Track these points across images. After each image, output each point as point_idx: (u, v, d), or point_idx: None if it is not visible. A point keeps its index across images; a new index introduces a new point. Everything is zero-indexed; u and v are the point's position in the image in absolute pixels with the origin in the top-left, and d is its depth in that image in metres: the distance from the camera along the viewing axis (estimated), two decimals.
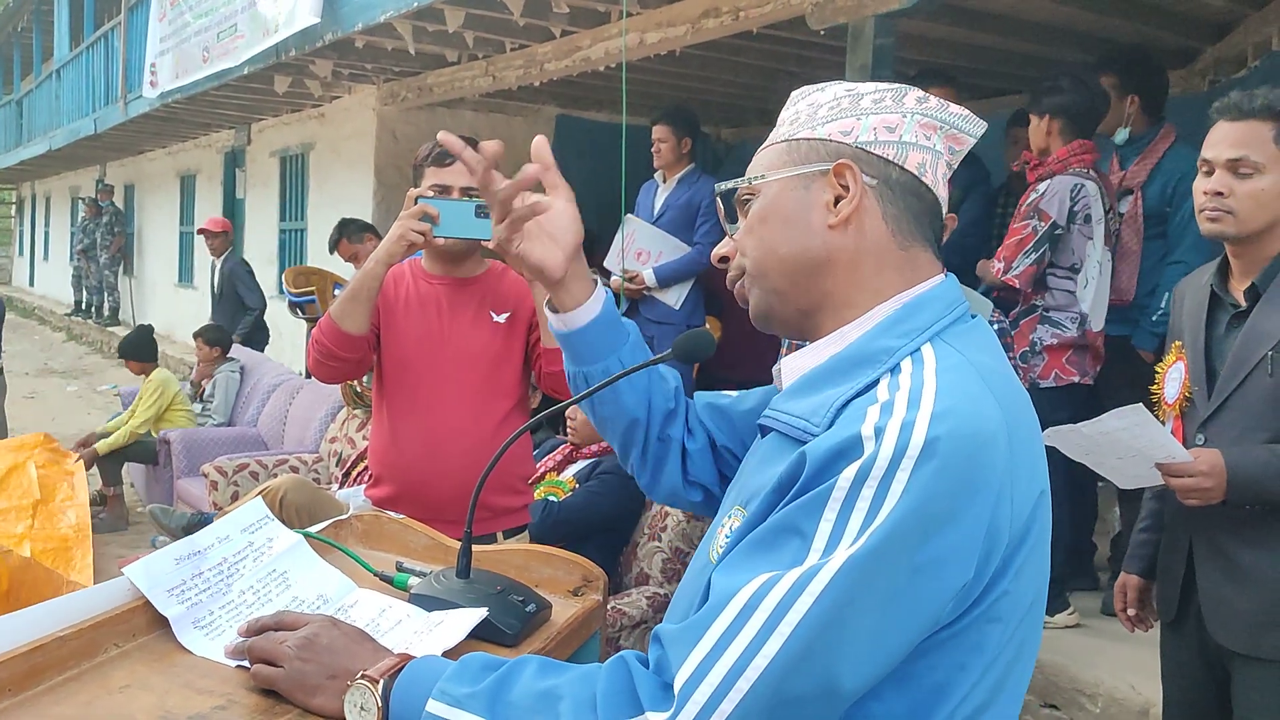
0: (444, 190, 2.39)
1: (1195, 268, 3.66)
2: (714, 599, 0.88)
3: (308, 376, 6.72)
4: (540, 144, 1.20)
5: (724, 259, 1.11)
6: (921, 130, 1.03)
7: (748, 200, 1.07)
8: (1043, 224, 3.30)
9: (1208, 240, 3.67)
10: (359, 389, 5.10)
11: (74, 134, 12.87)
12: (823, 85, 1.09)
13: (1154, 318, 3.61)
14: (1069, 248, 3.35)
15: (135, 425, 6.17)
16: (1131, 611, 2.16)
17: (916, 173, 1.02)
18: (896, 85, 1.05)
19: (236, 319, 7.62)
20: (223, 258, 7.87)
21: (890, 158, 1.01)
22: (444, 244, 2.39)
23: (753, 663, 0.83)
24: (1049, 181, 3.37)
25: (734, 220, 1.10)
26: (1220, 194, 1.91)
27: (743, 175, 1.08)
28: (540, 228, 1.21)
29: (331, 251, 5.98)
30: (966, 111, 1.05)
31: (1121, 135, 3.68)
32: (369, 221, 6.42)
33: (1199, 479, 1.84)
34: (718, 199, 1.12)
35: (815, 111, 1.05)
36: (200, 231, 8.03)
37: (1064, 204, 3.30)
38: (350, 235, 5.88)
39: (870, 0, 3.86)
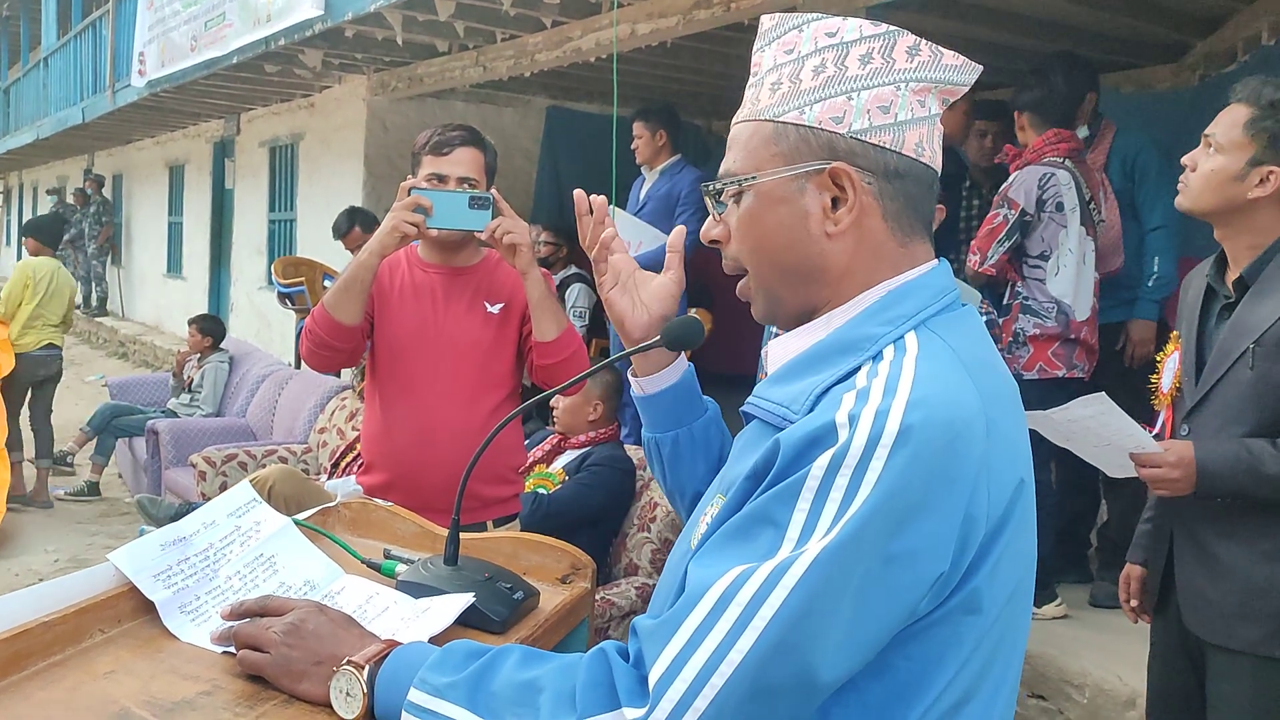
0: (441, 179, 2.38)
1: (1176, 229, 3.76)
2: (689, 592, 0.87)
3: (297, 367, 6.71)
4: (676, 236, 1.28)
5: (714, 241, 1.06)
6: (915, 98, 0.97)
7: (737, 190, 1.02)
8: (1013, 212, 3.39)
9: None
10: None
11: (61, 123, 12.78)
12: (799, 22, 1.01)
13: (1149, 283, 3.78)
14: (1039, 236, 3.41)
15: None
16: (1134, 602, 2.14)
17: (914, 154, 0.97)
18: (884, 31, 0.98)
19: None
20: None
21: (887, 145, 0.96)
22: (438, 234, 2.39)
23: (727, 657, 0.82)
24: (1018, 172, 3.46)
25: (720, 203, 1.05)
26: (1186, 166, 1.94)
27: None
28: (636, 285, 1.25)
29: (338, 237, 5.82)
30: (960, 60, 1.00)
31: (1082, 131, 3.80)
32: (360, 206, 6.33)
33: (1166, 470, 1.86)
34: (705, 192, 1.07)
35: (798, 78, 0.98)
36: None
37: (1031, 192, 3.37)
38: (365, 224, 5.62)
39: None
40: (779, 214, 0.99)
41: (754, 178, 0.99)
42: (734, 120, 1.04)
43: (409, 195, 2.29)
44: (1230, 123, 1.88)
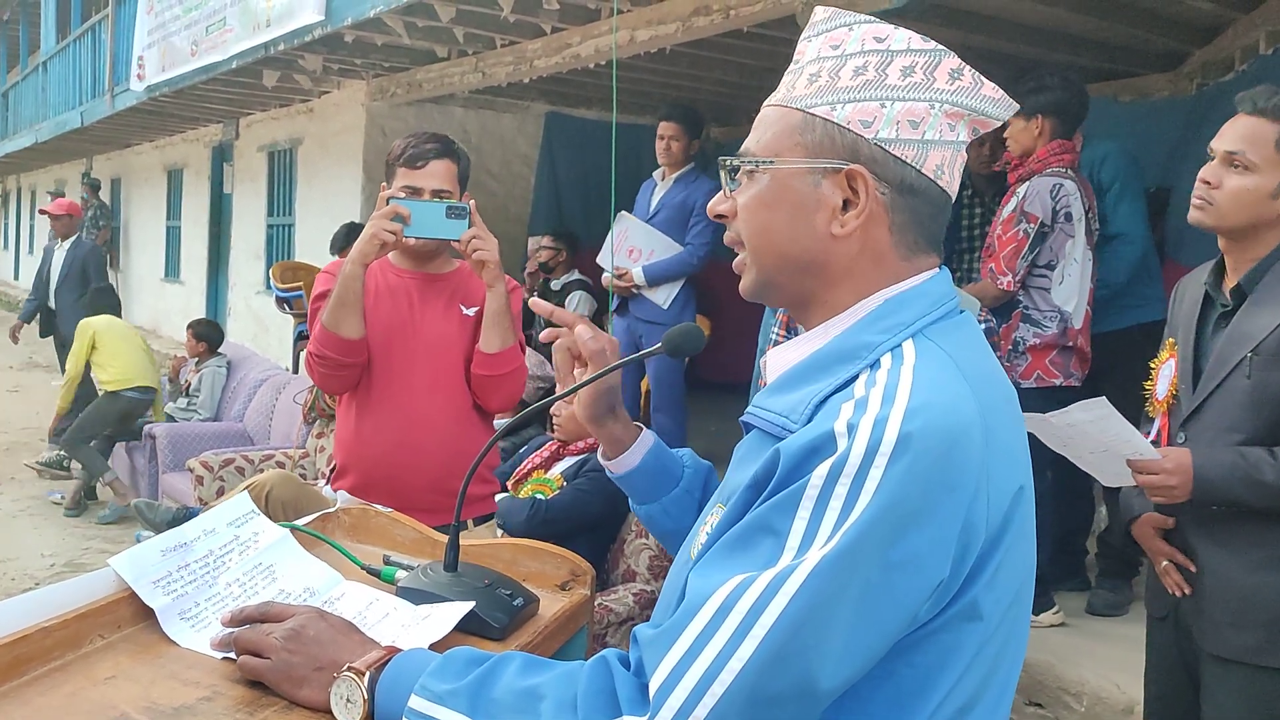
0: (415, 192, 2.42)
1: (1135, 238, 3.74)
2: (689, 601, 0.87)
3: (295, 372, 6.71)
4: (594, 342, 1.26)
5: (720, 215, 1.06)
6: (946, 121, 0.98)
7: (753, 170, 1.02)
8: (1031, 226, 3.35)
9: (1141, 214, 3.70)
10: (326, 402, 5.12)
11: (60, 127, 12.78)
12: (851, 20, 1.00)
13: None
14: (1048, 246, 3.40)
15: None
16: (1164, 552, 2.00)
17: (933, 176, 0.98)
18: (932, 48, 0.99)
19: (79, 301, 7.79)
20: (71, 241, 8.14)
21: (909, 160, 0.96)
22: (415, 243, 2.43)
23: (728, 665, 0.83)
24: (1028, 184, 3.41)
25: (734, 179, 1.05)
26: (1208, 184, 1.91)
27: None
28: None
29: (334, 252, 5.84)
30: (999, 94, 0.99)
31: None
32: (359, 222, 6.37)
33: (1164, 477, 1.86)
34: (720, 166, 1.06)
35: (837, 75, 0.98)
36: (43, 213, 8.20)
37: (1046, 204, 3.35)
38: None
39: (861, 0, 3.87)
40: (789, 202, 0.99)
41: (772, 162, 1.00)
42: (766, 102, 1.04)
43: (388, 204, 2.33)
44: (1258, 139, 1.86)
